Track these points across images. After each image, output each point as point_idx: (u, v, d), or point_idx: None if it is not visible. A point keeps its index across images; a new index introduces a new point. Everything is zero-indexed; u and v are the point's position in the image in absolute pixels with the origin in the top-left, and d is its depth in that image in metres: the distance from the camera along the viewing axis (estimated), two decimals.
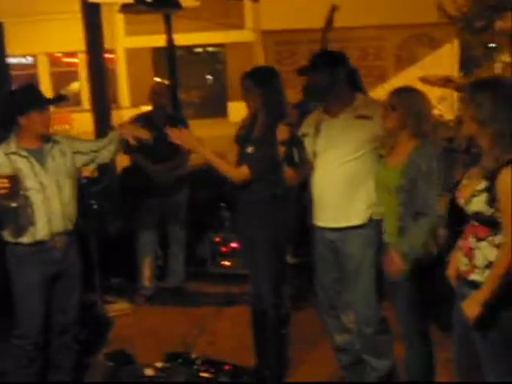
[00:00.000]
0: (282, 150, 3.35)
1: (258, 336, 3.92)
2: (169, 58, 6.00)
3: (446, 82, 5.98)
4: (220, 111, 19.12)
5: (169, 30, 5.76)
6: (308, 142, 3.47)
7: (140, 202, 5.21)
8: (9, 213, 3.39)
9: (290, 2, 9.90)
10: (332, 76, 3.31)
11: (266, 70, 4.09)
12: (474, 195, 2.64)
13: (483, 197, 2.60)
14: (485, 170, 2.64)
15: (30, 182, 3.40)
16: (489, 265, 2.63)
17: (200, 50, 20.76)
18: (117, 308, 5.09)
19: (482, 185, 2.62)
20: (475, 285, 2.67)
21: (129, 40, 19.13)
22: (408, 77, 6.74)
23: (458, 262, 2.83)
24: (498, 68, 9.40)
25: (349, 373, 3.69)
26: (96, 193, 5.14)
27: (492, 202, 2.57)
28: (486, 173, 2.62)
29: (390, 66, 10.68)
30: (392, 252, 3.09)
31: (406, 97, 3.17)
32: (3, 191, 3.23)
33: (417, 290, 3.15)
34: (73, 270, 3.64)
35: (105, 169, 5.17)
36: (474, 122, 2.65)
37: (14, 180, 3.27)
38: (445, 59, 10.26)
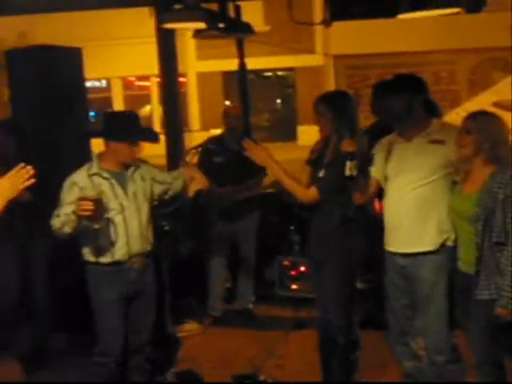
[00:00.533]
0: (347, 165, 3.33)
1: (325, 361, 3.89)
2: (240, 82, 6.11)
3: None
4: (289, 135, 19.21)
5: (241, 55, 5.86)
6: (378, 165, 3.47)
7: (211, 225, 5.29)
8: (90, 233, 3.49)
9: (361, 26, 9.89)
10: (409, 101, 3.31)
11: (339, 94, 4.10)
12: None
13: None
14: None
15: (110, 203, 3.50)
16: None
17: (270, 74, 20.98)
18: (186, 328, 5.15)
19: None
20: None
21: (200, 64, 19.54)
22: (482, 101, 6.60)
23: None
24: None
25: None
26: (168, 214, 5.25)
27: None
28: None
29: (463, 90, 10.47)
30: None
31: (482, 121, 3.12)
32: (87, 213, 3.33)
33: (493, 317, 3.07)
34: (148, 291, 3.72)
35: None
36: None
37: (99, 203, 3.37)
38: None
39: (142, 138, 3.61)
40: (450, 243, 3.28)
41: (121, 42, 18.54)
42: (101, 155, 3.58)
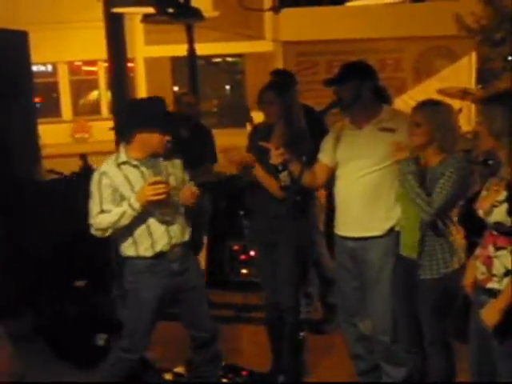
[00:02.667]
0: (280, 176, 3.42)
1: (274, 342, 3.97)
2: (189, 68, 6.06)
3: (463, 94, 5.99)
4: (239, 121, 19.19)
5: (190, 40, 5.84)
6: (327, 150, 3.53)
7: None
8: (126, 227, 3.30)
9: (310, 13, 9.97)
10: (359, 88, 3.32)
11: (285, 83, 4.12)
12: (494, 206, 2.68)
13: (504, 207, 2.63)
14: (505, 180, 2.68)
15: None
16: (507, 273, 2.67)
17: (219, 60, 20.90)
18: None
19: (503, 195, 2.65)
20: (493, 293, 2.71)
21: (148, 49, 19.29)
22: (426, 89, 6.76)
23: (474, 270, 2.86)
24: None
25: (365, 380, 3.73)
26: None
27: None
28: (506, 184, 2.66)
29: (408, 77, 10.69)
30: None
31: (431, 111, 3.14)
32: (162, 197, 3.19)
33: (440, 299, 3.19)
34: (194, 283, 3.54)
35: None
36: (490, 136, 2.69)
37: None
38: (463, 71, 10.28)
39: (173, 126, 3.43)
40: (397, 228, 3.37)
41: (68, 25, 18.12)
42: (128, 145, 3.34)
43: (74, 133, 19.67)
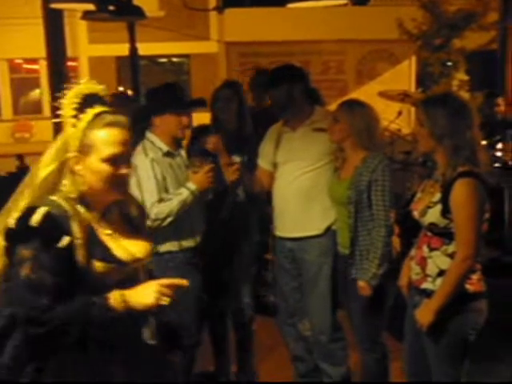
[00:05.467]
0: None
1: (216, 342, 3.95)
2: (132, 67, 5.98)
3: (403, 96, 6.11)
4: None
5: (132, 39, 5.75)
6: (266, 155, 3.54)
7: None
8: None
9: (252, 14, 9.98)
10: (290, 91, 3.35)
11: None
12: (429, 207, 2.72)
13: (438, 208, 2.68)
14: (439, 182, 2.72)
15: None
16: (440, 273, 2.71)
17: (164, 60, 20.74)
18: None
19: (437, 197, 2.70)
20: (427, 293, 2.75)
21: (92, 48, 18.97)
22: (368, 91, 6.86)
23: (409, 271, 2.90)
24: (454, 85, 9.63)
25: (305, 381, 3.74)
26: None
27: (446, 213, 2.65)
28: (441, 185, 2.70)
29: (350, 80, 10.83)
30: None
31: (349, 109, 3.26)
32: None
33: (370, 299, 3.22)
34: None
35: None
36: (431, 138, 2.72)
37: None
38: (403, 75, 10.49)
39: (188, 105, 3.33)
40: (334, 227, 3.40)
41: (6, 21, 17.66)
42: (155, 134, 3.27)
43: (14, 132, 19.16)
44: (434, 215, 2.70)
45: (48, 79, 5.95)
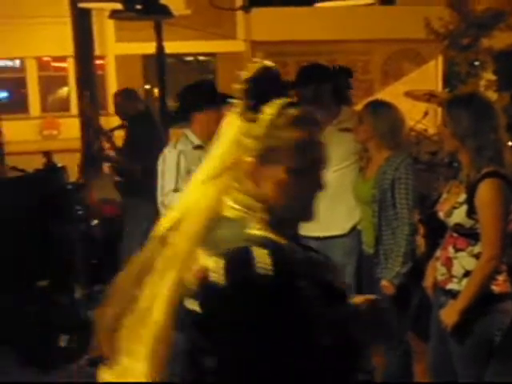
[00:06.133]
0: None
1: None
2: (158, 66, 6.02)
3: (430, 97, 6.08)
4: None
5: (159, 38, 5.79)
6: None
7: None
8: None
9: (279, 13, 10.00)
10: (317, 90, 3.37)
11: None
12: (454, 207, 2.71)
13: (463, 209, 2.67)
14: (465, 183, 2.71)
15: None
16: (466, 274, 2.70)
17: (191, 58, 20.84)
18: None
19: (462, 197, 2.69)
20: (452, 294, 2.74)
21: (119, 46, 19.13)
22: (394, 91, 6.83)
23: (435, 272, 2.89)
24: (481, 85, 9.55)
25: None
26: (81, 198, 5.16)
27: (471, 213, 2.64)
28: (466, 185, 2.69)
29: (376, 79, 10.79)
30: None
31: (373, 111, 3.27)
32: None
33: (395, 298, 3.21)
34: None
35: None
36: (454, 138, 2.72)
37: None
38: (429, 75, 10.42)
39: (223, 100, 3.38)
40: (359, 227, 3.41)
41: (35, 20, 17.88)
42: (191, 129, 3.35)
43: (43, 129, 19.41)
44: (459, 216, 2.69)
45: (75, 77, 6.02)
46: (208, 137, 3.29)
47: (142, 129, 5.01)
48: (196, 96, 3.36)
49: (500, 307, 2.70)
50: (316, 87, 3.37)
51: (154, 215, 5.00)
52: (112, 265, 5.30)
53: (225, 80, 19.34)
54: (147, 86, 18.80)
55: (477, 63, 9.36)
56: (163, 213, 3.26)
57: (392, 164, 3.17)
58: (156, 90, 19.82)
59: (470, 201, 2.65)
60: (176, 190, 3.20)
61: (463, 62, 9.41)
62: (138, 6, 4.77)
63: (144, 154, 4.80)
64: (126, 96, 5.22)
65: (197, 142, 3.34)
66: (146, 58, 18.43)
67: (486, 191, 2.60)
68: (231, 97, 3.58)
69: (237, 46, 18.60)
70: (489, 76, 9.37)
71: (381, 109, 3.29)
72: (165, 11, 5.01)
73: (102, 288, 5.47)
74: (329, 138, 3.37)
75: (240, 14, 15.58)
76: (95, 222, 5.19)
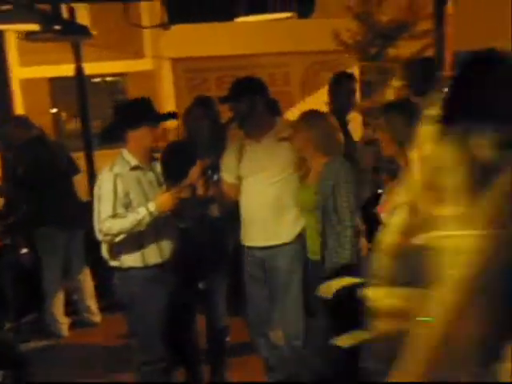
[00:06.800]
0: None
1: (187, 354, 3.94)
2: (79, 88, 5.87)
3: None
4: (121, 142, 18.84)
5: (78, 59, 5.66)
6: (229, 169, 3.56)
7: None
8: (133, 236, 3.22)
9: (198, 29, 10.01)
10: (252, 103, 3.41)
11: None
12: (396, 208, 2.80)
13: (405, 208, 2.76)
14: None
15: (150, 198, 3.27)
16: None
17: (98, 79, 20.47)
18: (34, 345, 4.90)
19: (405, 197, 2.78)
20: None
21: (24, 70, 18.54)
22: (314, 101, 6.96)
23: None
24: (390, 93, 9.91)
25: None
26: (7, 226, 4.98)
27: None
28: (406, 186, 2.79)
29: (296, 91, 11.02)
30: None
31: (307, 120, 3.37)
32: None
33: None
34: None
35: (13, 203, 5.03)
36: (392, 143, 2.82)
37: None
38: None
39: (160, 118, 3.39)
40: (304, 233, 3.45)
41: None
42: (129, 149, 3.30)
43: None
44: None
45: None
46: (144, 155, 3.29)
47: (32, 155, 4.88)
48: (130, 113, 3.31)
49: None
50: (250, 100, 3.39)
51: (71, 242, 4.97)
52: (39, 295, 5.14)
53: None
54: (54, 110, 18.30)
55: (384, 72, 9.74)
56: (102, 239, 3.22)
57: (331, 169, 3.25)
58: (63, 114, 19.38)
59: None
60: (114, 216, 3.16)
61: (373, 71, 9.75)
62: (57, 27, 4.64)
63: (32, 183, 4.73)
64: (16, 123, 5.08)
65: (134, 162, 3.30)
66: (53, 81, 17.97)
67: None
68: (166, 115, 3.58)
69: (145, 64, 18.42)
70: (397, 84, 9.76)
71: (315, 118, 3.37)
72: (84, 31, 4.90)
73: (31, 319, 5.28)
74: (268, 149, 3.46)
75: (146, 32, 15.45)
76: (24, 250, 4.99)
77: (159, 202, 3.21)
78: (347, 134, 4.11)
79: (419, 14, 9.47)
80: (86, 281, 5.23)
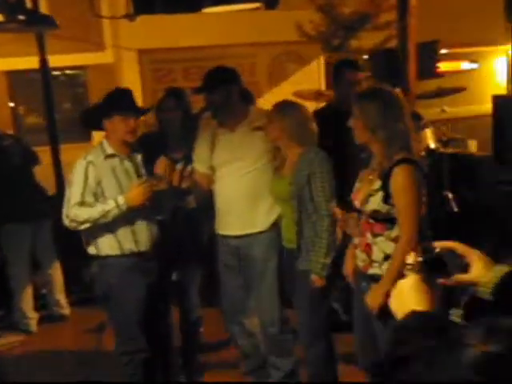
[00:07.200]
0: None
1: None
2: (43, 81, 5.75)
3: (317, 95, 6.32)
4: (83, 135, 18.58)
5: (42, 50, 5.55)
6: (201, 158, 3.55)
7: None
8: (107, 224, 3.23)
9: (164, 20, 9.91)
10: (228, 93, 3.41)
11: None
12: (370, 195, 2.85)
13: (379, 195, 2.81)
14: (378, 171, 2.85)
15: (125, 188, 3.29)
16: (386, 258, 2.84)
17: (58, 72, 20.13)
18: (2, 342, 4.83)
19: (377, 184, 2.83)
20: (374, 278, 2.86)
21: None
22: (280, 92, 6.99)
23: (354, 259, 3.02)
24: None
25: (254, 378, 3.79)
26: None
27: (387, 199, 2.78)
28: (380, 173, 2.83)
29: (262, 82, 11.02)
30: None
31: (281, 110, 3.37)
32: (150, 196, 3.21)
33: (318, 291, 3.32)
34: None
35: None
36: (365, 130, 2.86)
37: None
38: (313, 75, 10.78)
39: (134, 110, 3.35)
40: (278, 222, 3.48)
41: None
42: (107, 139, 3.32)
43: None
44: (375, 202, 2.82)
45: None
46: (120, 145, 3.29)
47: None
48: (105, 102, 3.33)
49: None
50: (225, 90, 3.40)
51: (38, 234, 4.91)
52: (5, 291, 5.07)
53: (97, 92, 18.86)
54: (11, 104, 17.94)
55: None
56: (67, 225, 3.24)
57: (306, 159, 3.27)
58: (21, 108, 18.99)
59: (385, 187, 2.80)
60: (82, 204, 3.19)
61: (337, 62, 9.82)
62: (21, 17, 4.56)
63: None
64: None
65: (109, 150, 3.33)
66: (11, 74, 17.58)
67: (400, 177, 2.75)
68: (139, 107, 3.56)
69: (105, 57, 18.18)
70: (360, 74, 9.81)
71: (288, 108, 3.38)
72: (49, 22, 4.82)
73: (2, 314, 5.21)
74: (243, 139, 3.47)
75: (106, 23, 15.24)
76: None
77: (130, 195, 3.24)
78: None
79: (382, 5, 9.56)
80: (56, 274, 5.18)
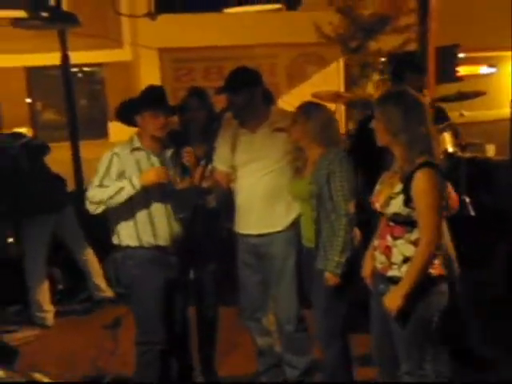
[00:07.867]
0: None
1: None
2: (64, 77, 5.80)
3: (335, 97, 6.32)
4: (100, 132, 18.69)
5: (63, 47, 5.61)
6: (223, 157, 3.58)
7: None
8: (129, 215, 3.36)
9: (186, 19, 9.95)
10: (251, 94, 3.43)
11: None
12: (391, 198, 2.85)
13: (400, 199, 2.81)
14: (400, 174, 2.86)
15: None
16: (405, 260, 2.85)
17: (76, 69, 20.26)
18: (19, 337, 4.87)
19: (398, 188, 2.83)
20: (393, 280, 2.87)
21: None
22: (300, 93, 7.00)
23: (373, 261, 3.02)
24: (370, 86, 9.99)
25: (269, 376, 3.80)
26: None
27: (408, 202, 2.79)
28: (401, 176, 2.84)
29: (282, 83, 11.06)
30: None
31: (306, 111, 3.39)
32: (163, 179, 3.30)
33: (335, 290, 3.32)
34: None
35: None
36: (387, 133, 2.87)
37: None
38: (332, 76, 10.80)
39: (164, 108, 3.41)
40: (298, 219, 3.50)
41: None
42: (138, 134, 3.46)
43: None
44: (396, 205, 2.84)
45: None
46: (149, 140, 3.41)
47: None
48: (136, 99, 3.44)
49: (437, 289, 2.87)
50: (248, 92, 3.41)
51: (63, 221, 4.96)
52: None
53: (115, 89, 18.95)
54: (29, 100, 18.08)
55: (366, 65, 9.80)
56: (88, 208, 3.37)
57: (326, 159, 3.29)
58: (38, 104, 19.12)
59: (406, 190, 2.80)
60: (100, 186, 3.34)
61: (355, 64, 9.83)
62: (44, 14, 4.61)
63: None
64: None
65: (137, 144, 3.44)
66: (30, 70, 17.73)
67: (421, 181, 2.76)
68: (170, 106, 3.61)
69: (124, 55, 18.29)
70: (377, 77, 9.84)
71: (312, 110, 3.40)
72: (72, 19, 4.87)
73: (17, 309, 5.25)
74: (264, 140, 3.49)
75: (125, 21, 15.30)
76: (10, 240, 4.97)
77: (145, 174, 3.34)
78: None
79: (401, 8, 9.57)
80: (91, 259, 5.24)
